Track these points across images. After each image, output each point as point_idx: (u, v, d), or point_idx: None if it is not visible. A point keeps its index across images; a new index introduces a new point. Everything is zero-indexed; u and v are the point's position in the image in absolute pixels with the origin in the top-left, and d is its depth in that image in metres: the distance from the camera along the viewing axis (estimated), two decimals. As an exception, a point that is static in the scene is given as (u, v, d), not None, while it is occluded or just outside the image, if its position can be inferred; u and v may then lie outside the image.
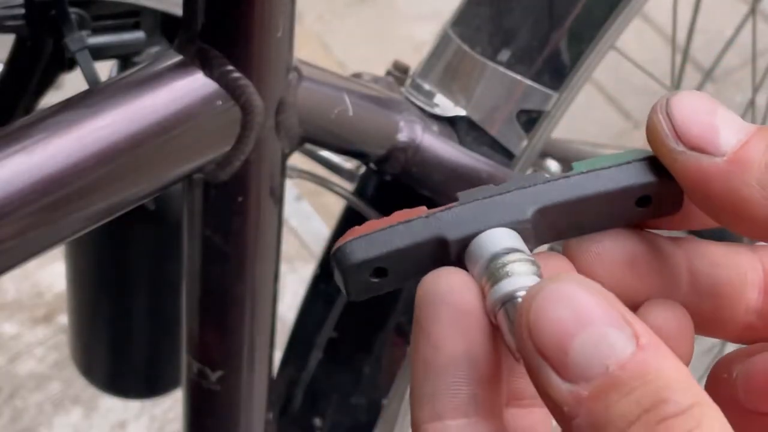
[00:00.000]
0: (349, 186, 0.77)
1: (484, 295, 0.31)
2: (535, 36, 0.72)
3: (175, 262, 0.69)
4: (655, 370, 0.27)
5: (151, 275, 0.84)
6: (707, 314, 0.34)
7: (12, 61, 0.70)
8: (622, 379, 0.27)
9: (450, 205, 0.32)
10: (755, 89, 1.12)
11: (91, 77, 0.65)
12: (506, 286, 0.30)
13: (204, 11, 0.52)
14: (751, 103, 1.12)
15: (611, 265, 0.33)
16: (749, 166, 0.30)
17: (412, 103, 0.72)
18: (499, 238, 0.31)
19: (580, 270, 0.33)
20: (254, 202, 0.59)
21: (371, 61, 1.86)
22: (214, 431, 0.69)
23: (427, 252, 0.31)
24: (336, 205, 1.58)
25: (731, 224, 0.31)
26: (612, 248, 0.33)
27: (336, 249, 0.31)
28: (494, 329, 0.31)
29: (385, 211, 0.73)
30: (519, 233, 0.32)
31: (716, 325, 0.35)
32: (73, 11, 0.66)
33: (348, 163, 0.78)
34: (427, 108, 0.72)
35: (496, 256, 0.31)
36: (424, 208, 0.32)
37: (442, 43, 0.74)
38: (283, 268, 1.45)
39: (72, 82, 0.69)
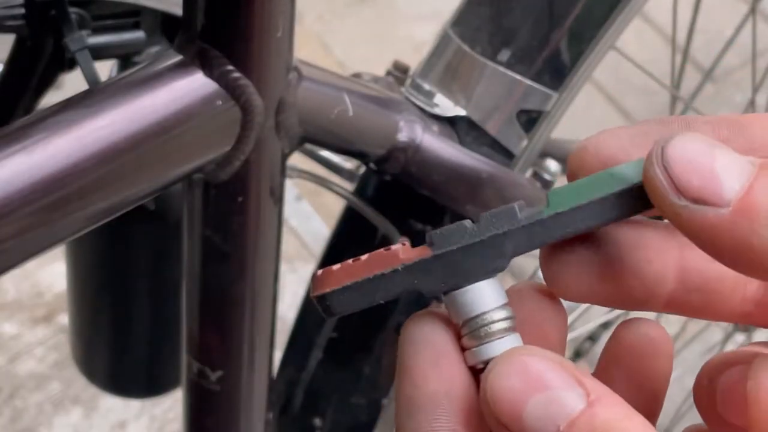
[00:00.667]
0: (349, 186, 0.77)
1: (462, 346, 0.32)
2: (535, 36, 0.72)
3: (175, 262, 0.69)
4: (603, 422, 0.28)
5: (151, 275, 0.84)
6: (696, 306, 0.34)
7: (12, 61, 0.70)
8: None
9: (424, 255, 0.32)
10: (755, 89, 1.12)
11: (91, 77, 0.65)
12: (485, 352, 0.32)
13: (204, 11, 0.52)
14: (751, 103, 1.12)
15: (582, 275, 0.33)
16: (756, 214, 0.29)
17: (412, 103, 0.72)
18: (477, 296, 0.32)
19: (554, 281, 0.34)
20: (254, 202, 0.59)
21: (371, 61, 1.86)
22: (214, 431, 0.69)
23: (403, 297, 0.33)
24: (336, 205, 1.58)
25: (743, 270, 0.30)
26: (584, 256, 0.33)
27: (322, 298, 0.32)
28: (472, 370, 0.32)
29: (384, 211, 0.73)
30: (495, 278, 0.32)
31: (706, 314, 0.34)
32: (73, 11, 0.66)
33: (348, 163, 0.78)
34: (427, 108, 0.72)
35: (476, 317, 0.32)
36: (399, 253, 0.32)
37: (442, 43, 0.74)
38: (283, 268, 1.44)
39: (72, 82, 0.69)
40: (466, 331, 0.32)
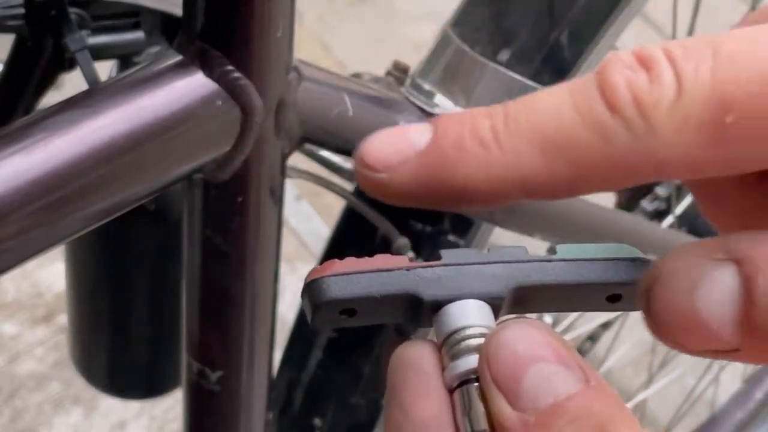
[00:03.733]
0: (349, 186, 0.77)
1: (443, 367, 0.32)
2: (535, 36, 0.72)
3: (175, 262, 0.69)
4: (601, 406, 0.28)
5: (151, 275, 0.84)
6: None
7: (12, 61, 0.70)
8: (568, 409, 0.28)
9: (432, 262, 0.32)
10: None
11: (91, 77, 0.65)
12: (461, 366, 0.31)
13: (204, 11, 0.52)
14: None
15: None
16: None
17: (412, 103, 0.72)
18: (468, 311, 0.32)
19: None
20: (254, 202, 0.59)
21: (371, 61, 1.86)
22: (213, 431, 0.69)
23: (400, 303, 0.32)
24: (336, 205, 1.58)
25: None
26: None
27: (310, 281, 0.32)
28: None
29: (384, 211, 0.73)
30: (491, 306, 0.32)
31: None
32: (73, 11, 0.66)
33: (348, 163, 0.78)
34: (427, 108, 0.72)
35: (457, 331, 0.31)
36: (406, 259, 0.32)
37: (442, 43, 0.74)
38: (283, 268, 1.44)
39: (72, 82, 0.69)
40: (445, 347, 0.31)
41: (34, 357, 1.56)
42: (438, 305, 0.32)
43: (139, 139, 0.50)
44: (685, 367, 1.38)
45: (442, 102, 0.73)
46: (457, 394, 0.31)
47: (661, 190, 1.20)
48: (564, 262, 0.33)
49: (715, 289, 0.27)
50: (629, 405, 1.27)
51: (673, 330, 0.28)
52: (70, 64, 0.69)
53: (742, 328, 0.27)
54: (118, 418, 1.52)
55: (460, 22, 0.73)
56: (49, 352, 1.56)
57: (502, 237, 0.88)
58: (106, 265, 0.84)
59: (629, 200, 1.22)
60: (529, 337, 0.29)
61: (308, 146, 0.63)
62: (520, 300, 0.33)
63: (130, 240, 0.82)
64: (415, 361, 0.32)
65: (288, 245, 1.69)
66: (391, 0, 2.07)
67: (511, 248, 0.33)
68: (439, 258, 0.32)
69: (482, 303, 0.32)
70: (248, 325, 0.64)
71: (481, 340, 0.31)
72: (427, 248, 0.74)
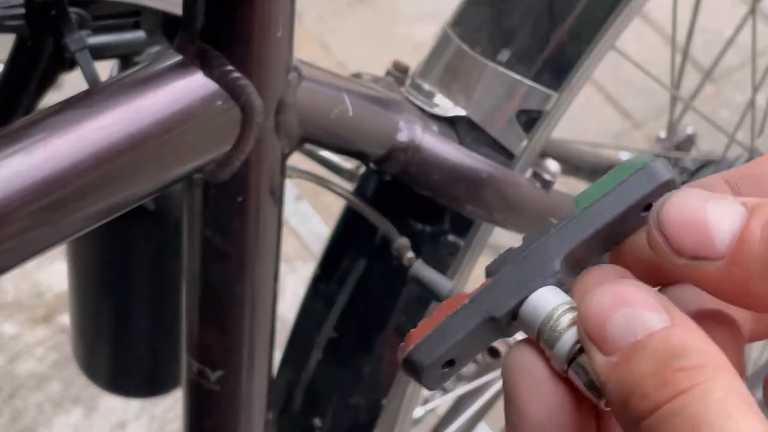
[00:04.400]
0: (349, 186, 0.77)
1: (548, 358, 0.33)
2: (535, 36, 0.72)
3: (175, 262, 0.69)
4: (680, 337, 0.30)
5: (151, 275, 0.84)
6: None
7: (12, 61, 0.70)
8: (647, 345, 0.30)
9: (484, 283, 0.34)
10: (755, 89, 1.11)
11: (91, 77, 0.65)
12: (562, 348, 0.33)
13: (204, 11, 0.52)
14: (751, 104, 1.12)
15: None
16: (748, 263, 0.31)
17: (412, 103, 0.72)
18: (540, 301, 0.33)
19: None
20: (254, 202, 0.59)
21: (371, 61, 1.86)
22: (213, 431, 0.69)
23: (483, 331, 0.34)
24: (336, 205, 1.58)
25: (746, 308, 0.33)
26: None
27: (406, 358, 0.34)
28: (575, 391, 0.33)
29: (384, 211, 0.73)
30: (554, 284, 0.34)
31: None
32: (73, 11, 0.66)
33: (348, 163, 0.78)
34: (427, 108, 0.72)
35: (544, 322, 0.33)
36: (464, 294, 0.34)
37: (442, 43, 0.74)
38: (283, 268, 1.44)
39: (72, 82, 0.69)
40: (542, 341, 0.33)
41: (34, 357, 1.56)
42: (513, 314, 0.34)
43: (139, 139, 0.50)
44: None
45: (442, 102, 0.73)
46: (571, 374, 0.32)
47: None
48: (592, 207, 0.34)
49: (725, 207, 0.32)
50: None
51: (679, 231, 0.32)
52: (70, 64, 0.69)
53: (734, 243, 0.31)
54: (118, 418, 1.52)
55: (460, 22, 0.73)
56: (49, 352, 1.56)
57: (502, 237, 0.88)
58: (107, 265, 0.84)
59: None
60: (612, 288, 0.31)
61: (308, 146, 0.63)
62: (576, 262, 0.34)
63: (130, 240, 0.82)
64: (526, 365, 0.33)
65: (288, 245, 1.69)
66: (391, 0, 2.07)
67: (539, 230, 0.34)
68: (488, 274, 0.34)
69: (547, 287, 0.34)
70: (248, 325, 0.64)
71: (567, 316, 0.33)
72: (427, 248, 0.74)
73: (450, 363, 0.34)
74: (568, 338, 0.32)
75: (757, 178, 0.35)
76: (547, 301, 0.33)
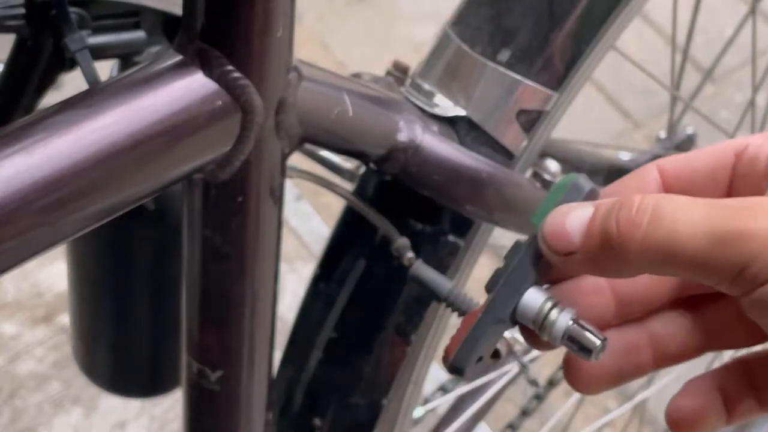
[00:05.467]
0: (349, 186, 0.77)
1: (540, 337, 0.45)
2: (535, 36, 0.72)
3: (175, 262, 0.69)
4: (606, 203, 0.43)
5: (151, 275, 0.84)
6: (637, 310, 0.47)
7: (12, 61, 0.70)
8: (595, 217, 0.43)
9: (487, 298, 0.45)
10: (755, 89, 1.12)
11: (91, 77, 0.65)
12: (558, 329, 0.44)
13: (204, 11, 0.52)
14: (751, 104, 1.12)
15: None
16: (593, 249, 0.43)
17: (412, 103, 0.72)
18: (530, 302, 0.45)
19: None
20: (254, 202, 0.59)
21: (371, 61, 1.86)
22: (213, 431, 0.69)
23: (496, 331, 0.46)
24: (336, 205, 1.58)
25: (612, 277, 0.46)
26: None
27: (451, 364, 0.46)
28: None
29: (384, 211, 0.73)
30: (536, 281, 0.45)
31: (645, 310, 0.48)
32: (73, 11, 0.66)
33: (348, 163, 0.78)
34: (427, 108, 0.72)
35: (537, 313, 0.45)
36: (477, 309, 0.45)
37: (442, 43, 0.74)
38: (283, 268, 1.44)
39: (72, 82, 0.69)
40: (538, 327, 0.45)
41: (34, 357, 1.56)
42: (513, 313, 0.45)
43: (138, 139, 0.50)
44: (685, 367, 1.38)
45: (442, 102, 0.73)
46: (566, 344, 0.44)
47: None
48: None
49: (580, 211, 0.43)
50: (629, 405, 1.27)
51: (551, 237, 0.43)
52: (70, 64, 0.69)
53: (583, 237, 0.42)
54: (118, 418, 1.52)
55: (460, 22, 0.73)
56: (49, 352, 1.56)
57: (502, 237, 0.88)
58: (107, 265, 0.84)
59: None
60: (555, 213, 0.44)
61: (308, 146, 0.63)
62: (546, 262, 0.45)
63: (130, 240, 0.82)
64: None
65: (288, 245, 1.69)
66: (391, 0, 2.07)
67: (512, 251, 0.45)
68: (488, 290, 0.45)
69: (532, 289, 0.45)
70: (248, 325, 0.64)
71: (549, 305, 0.44)
72: (427, 248, 0.74)
73: (480, 358, 0.46)
74: (560, 322, 0.44)
75: (689, 169, 0.46)
76: (535, 299, 0.45)
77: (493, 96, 0.72)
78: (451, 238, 0.75)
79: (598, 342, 0.43)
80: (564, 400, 1.50)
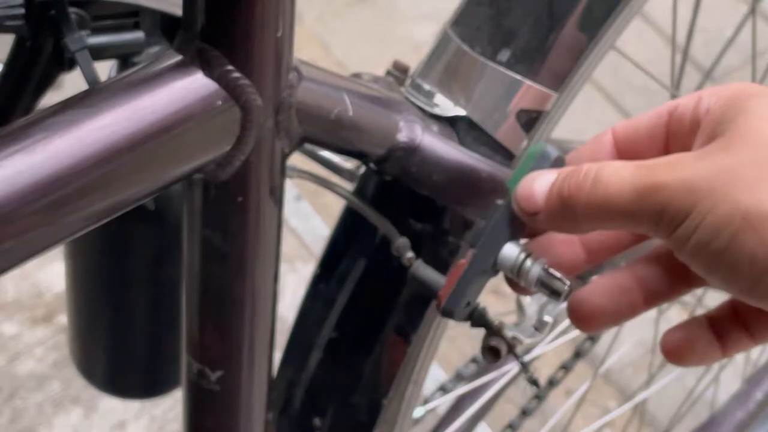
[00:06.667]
0: (349, 186, 0.77)
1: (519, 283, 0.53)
2: (535, 36, 0.72)
3: (175, 262, 0.69)
4: (565, 170, 0.50)
5: (150, 275, 0.84)
6: (606, 253, 0.55)
7: (12, 61, 0.70)
8: (556, 181, 0.50)
9: (471, 251, 0.53)
10: (755, 89, 1.11)
11: (91, 77, 0.65)
12: (532, 275, 0.52)
13: (204, 11, 0.52)
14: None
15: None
16: (553, 209, 0.50)
17: (412, 103, 0.72)
18: (507, 253, 0.53)
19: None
20: (254, 202, 0.59)
21: (371, 61, 1.86)
22: (213, 431, 0.69)
23: (481, 279, 0.54)
24: (336, 205, 1.58)
25: (572, 233, 0.53)
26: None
27: (443, 308, 0.54)
28: None
29: (384, 211, 0.73)
30: (512, 237, 0.53)
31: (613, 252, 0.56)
32: (73, 11, 0.66)
33: (348, 163, 0.78)
34: (427, 108, 0.72)
35: (514, 263, 0.53)
36: (463, 261, 0.53)
37: (442, 43, 0.74)
38: (283, 268, 1.44)
39: (72, 82, 0.69)
40: (516, 274, 0.52)
41: (34, 357, 1.56)
42: (495, 264, 0.53)
43: (139, 139, 0.50)
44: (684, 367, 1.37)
45: (442, 102, 0.73)
46: (540, 289, 0.52)
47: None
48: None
49: (545, 177, 0.50)
50: (629, 405, 1.27)
51: (522, 199, 0.51)
52: (70, 64, 0.69)
53: (544, 199, 0.50)
54: (118, 418, 1.52)
55: (460, 22, 0.73)
56: (49, 352, 1.56)
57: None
58: (106, 265, 0.84)
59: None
60: (527, 179, 0.51)
61: (308, 146, 0.63)
62: (519, 220, 0.52)
63: (130, 240, 0.82)
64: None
65: (288, 245, 1.69)
66: (391, 0, 2.07)
67: (490, 212, 0.53)
68: (472, 245, 0.53)
69: (509, 243, 0.53)
70: (248, 325, 0.64)
71: (524, 255, 0.52)
72: (427, 248, 0.74)
73: (468, 304, 0.54)
74: (533, 271, 0.52)
75: (634, 131, 0.53)
76: (511, 252, 0.52)
77: (493, 96, 0.72)
78: (451, 238, 0.75)
79: (564, 286, 0.51)
80: (564, 400, 1.50)
